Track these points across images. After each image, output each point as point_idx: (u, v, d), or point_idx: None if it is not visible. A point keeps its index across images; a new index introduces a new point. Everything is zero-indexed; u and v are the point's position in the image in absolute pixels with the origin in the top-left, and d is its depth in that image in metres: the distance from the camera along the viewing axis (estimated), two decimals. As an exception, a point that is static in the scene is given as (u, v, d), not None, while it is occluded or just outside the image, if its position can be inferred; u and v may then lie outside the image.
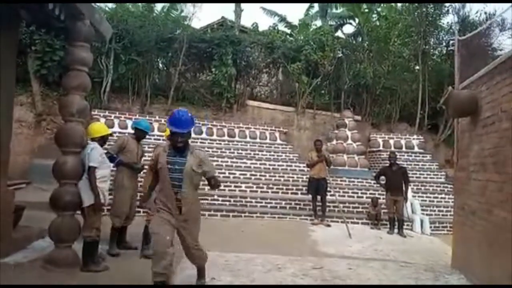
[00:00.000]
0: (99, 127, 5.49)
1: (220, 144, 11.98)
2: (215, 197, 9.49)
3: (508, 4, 5.83)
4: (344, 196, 10.26)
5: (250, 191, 10.09)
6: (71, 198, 4.72)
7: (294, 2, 20.76)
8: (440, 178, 12.08)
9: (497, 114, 4.55)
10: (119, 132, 10.98)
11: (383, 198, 9.35)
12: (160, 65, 14.69)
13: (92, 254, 4.83)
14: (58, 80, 10.77)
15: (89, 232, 4.79)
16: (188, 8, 14.60)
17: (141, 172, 6.26)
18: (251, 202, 9.70)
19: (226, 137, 12.34)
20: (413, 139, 13.42)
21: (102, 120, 11.39)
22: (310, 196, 9.44)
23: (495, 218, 4.46)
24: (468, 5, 15.32)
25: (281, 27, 18.21)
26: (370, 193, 10.15)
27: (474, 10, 15.30)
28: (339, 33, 18.24)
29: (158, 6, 14.88)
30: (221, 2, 14.30)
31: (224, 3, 14.25)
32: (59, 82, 10.10)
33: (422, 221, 9.57)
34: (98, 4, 12.53)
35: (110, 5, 13.97)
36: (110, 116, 11.55)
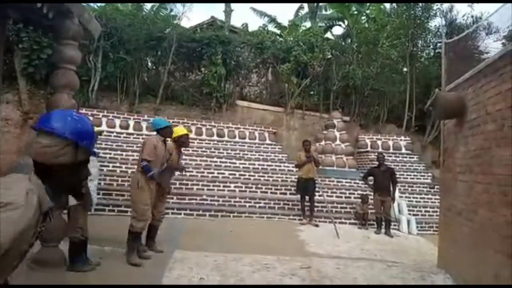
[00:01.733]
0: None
1: (209, 144, 11.95)
2: (204, 197, 9.48)
3: (494, 8, 5.93)
4: (332, 196, 10.32)
5: (239, 191, 10.09)
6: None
7: (284, 2, 20.77)
8: (427, 179, 12.22)
9: (482, 116, 4.63)
10: (107, 131, 10.93)
11: (371, 199, 9.44)
12: (149, 64, 14.60)
13: (80, 254, 4.79)
14: (46, 78, 10.63)
15: (74, 233, 4.74)
16: (178, 7, 14.60)
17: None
18: (240, 202, 9.70)
19: (215, 137, 12.32)
20: (401, 140, 13.55)
21: (90, 119, 11.30)
22: (298, 196, 9.49)
23: (480, 219, 4.53)
24: (455, 8, 15.56)
25: (271, 27, 18.26)
26: (358, 193, 10.22)
27: (461, 14, 15.58)
28: (328, 35, 18.37)
29: (148, 5, 14.83)
30: (212, 2, 14.26)
31: (214, 3, 14.21)
32: (46, 80, 9.97)
33: (409, 221, 9.67)
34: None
35: (99, 3, 13.88)
36: (98, 115, 11.45)
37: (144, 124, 11.71)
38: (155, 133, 5.80)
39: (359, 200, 9.70)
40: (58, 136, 1.49)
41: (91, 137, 1.60)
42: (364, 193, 9.79)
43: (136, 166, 5.71)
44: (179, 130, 6.21)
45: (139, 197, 5.33)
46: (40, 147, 1.50)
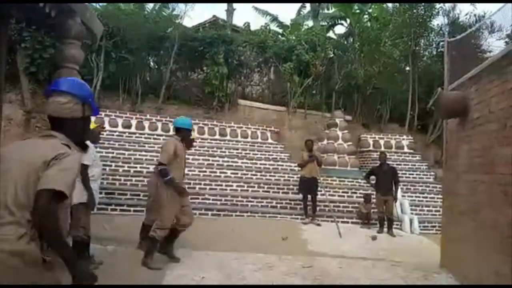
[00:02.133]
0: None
1: (212, 143, 11.96)
2: (206, 196, 9.49)
3: (497, 7, 5.91)
4: (334, 195, 10.31)
5: (241, 190, 10.09)
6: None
7: (287, 2, 20.74)
8: (430, 178, 12.19)
9: (485, 115, 4.61)
10: (109, 131, 10.95)
11: (373, 198, 9.43)
12: (151, 63, 14.65)
13: (82, 253, 4.79)
14: (48, 77, 10.65)
15: (77, 232, 4.74)
16: (180, 6, 14.59)
17: None
18: (242, 201, 9.70)
19: (217, 136, 12.31)
20: (403, 139, 13.51)
21: (92, 118, 11.29)
22: (301, 196, 9.48)
23: (483, 218, 4.51)
24: (458, 7, 15.52)
25: (273, 27, 18.25)
26: (360, 193, 10.21)
27: (463, 13, 15.54)
28: (330, 34, 18.35)
29: (150, 4, 14.85)
30: (215, 2, 14.28)
31: (216, 3, 14.22)
32: (49, 80, 10.00)
33: (411, 221, 9.65)
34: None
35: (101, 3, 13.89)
36: (101, 115, 11.43)
37: (146, 124, 11.73)
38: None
39: (362, 199, 9.69)
40: (72, 95, 2.03)
41: (92, 97, 2.18)
42: (367, 192, 9.77)
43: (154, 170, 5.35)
44: None
45: (163, 202, 5.14)
46: (59, 104, 2.00)
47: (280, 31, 18.38)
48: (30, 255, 1.71)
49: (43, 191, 1.72)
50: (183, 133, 5.39)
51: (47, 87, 2.12)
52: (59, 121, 2.02)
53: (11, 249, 1.67)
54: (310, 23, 18.95)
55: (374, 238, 8.09)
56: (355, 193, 10.44)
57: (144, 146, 10.96)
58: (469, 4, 15.22)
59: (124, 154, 10.46)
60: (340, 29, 19.50)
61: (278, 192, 10.22)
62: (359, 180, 10.82)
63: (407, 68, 15.26)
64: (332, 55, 14.96)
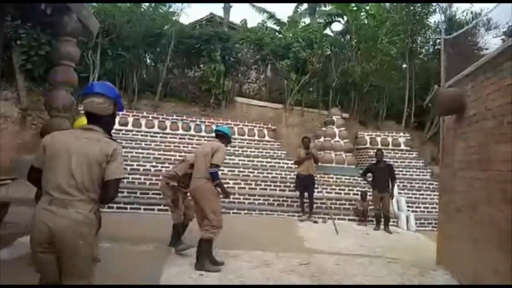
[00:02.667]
0: None
1: (209, 140, 11.92)
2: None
3: (494, 4, 5.93)
4: (331, 193, 10.32)
5: (238, 187, 10.09)
6: (57, 195, 4.66)
7: (285, 2, 20.65)
8: (426, 175, 12.23)
9: (482, 112, 4.62)
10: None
11: (370, 195, 9.45)
12: (148, 60, 14.61)
13: None
14: (44, 75, 10.60)
15: None
16: (176, 4, 14.55)
17: None
18: (239, 198, 9.71)
19: (214, 134, 12.27)
20: (400, 136, 13.55)
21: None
22: (297, 193, 9.49)
23: (479, 215, 4.53)
24: (454, 4, 15.57)
25: (270, 24, 18.25)
26: (357, 190, 10.23)
27: (460, 10, 15.54)
28: (327, 31, 18.35)
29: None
30: (213, 2, 14.24)
31: (214, 3, 14.18)
32: (45, 77, 9.94)
33: (407, 218, 9.68)
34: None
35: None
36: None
37: (143, 121, 11.70)
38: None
39: (359, 197, 9.71)
40: (105, 97, 2.67)
41: (120, 97, 2.79)
42: (363, 189, 9.79)
43: (198, 174, 5.25)
44: None
45: (217, 206, 5.21)
46: (96, 104, 2.65)
47: (277, 28, 18.37)
48: (93, 222, 2.54)
49: (112, 180, 2.54)
50: (224, 140, 5.65)
51: (82, 90, 2.83)
52: (96, 117, 2.67)
53: (84, 219, 2.47)
54: (307, 20, 18.94)
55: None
56: (352, 190, 10.46)
57: (141, 144, 10.94)
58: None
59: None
60: (337, 27, 19.51)
61: (275, 190, 10.23)
62: (356, 178, 10.84)
63: (404, 66, 15.30)
64: (329, 53, 14.99)
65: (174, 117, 12.23)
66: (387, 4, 16.68)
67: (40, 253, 2.50)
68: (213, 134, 12.22)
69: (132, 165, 9.88)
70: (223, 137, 5.67)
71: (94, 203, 2.54)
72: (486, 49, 14.47)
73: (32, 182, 2.67)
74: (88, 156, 2.51)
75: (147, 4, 14.76)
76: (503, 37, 14.71)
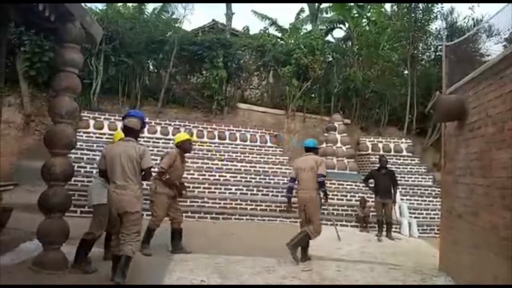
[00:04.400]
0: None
1: (211, 146, 11.97)
2: (205, 199, 9.50)
3: (495, 10, 5.96)
4: (333, 199, 10.28)
5: (241, 193, 10.09)
6: (59, 200, 4.69)
7: (286, 2, 20.70)
8: (428, 181, 12.21)
9: (483, 119, 4.63)
10: (109, 134, 10.95)
11: (372, 201, 9.44)
12: (151, 67, 14.67)
13: (87, 252, 4.86)
14: (47, 81, 10.67)
15: (95, 230, 4.92)
16: (179, 10, 14.65)
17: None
18: (241, 204, 9.71)
19: (216, 140, 12.33)
20: (402, 142, 13.55)
21: (92, 122, 11.34)
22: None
23: (481, 221, 4.53)
24: (456, 11, 15.59)
25: (272, 30, 18.33)
26: (359, 196, 10.21)
27: (462, 17, 15.61)
28: (329, 37, 18.44)
29: (149, 8, 14.89)
30: (214, 2, 14.26)
31: (216, 3, 14.19)
32: (48, 83, 10.02)
33: (410, 224, 9.66)
34: (88, 5, 12.51)
35: (100, 6, 13.94)
36: (100, 118, 11.49)
37: (146, 127, 11.72)
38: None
39: (359, 202, 9.71)
40: (139, 118, 4.66)
41: (144, 118, 4.80)
42: (363, 195, 9.78)
43: (307, 186, 6.12)
44: (181, 136, 6.35)
45: (320, 215, 6.21)
46: (132, 122, 4.56)
47: (279, 35, 18.45)
48: (140, 196, 4.45)
49: (146, 168, 4.42)
50: (317, 152, 6.56)
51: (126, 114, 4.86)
52: (131, 130, 4.55)
53: (135, 194, 4.38)
54: (308, 27, 19.02)
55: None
56: (354, 196, 10.44)
57: (143, 150, 10.95)
58: (467, 7, 15.28)
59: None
60: (338, 33, 19.59)
61: (277, 196, 10.22)
62: (358, 184, 10.82)
63: (406, 72, 15.32)
64: (330, 59, 15.04)
65: (177, 122, 12.27)
66: (389, 10, 16.77)
67: (112, 216, 4.45)
68: (216, 140, 12.31)
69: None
70: (316, 149, 6.59)
71: (139, 185, 4.44)
72: (488, 55, 14.43)
73: (103, 177, 4.70)
74: (130, 157, 4.34)
75: (150, 11, 14.87)
76: (504, 43, 14.72)
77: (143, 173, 4.42)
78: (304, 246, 6.12)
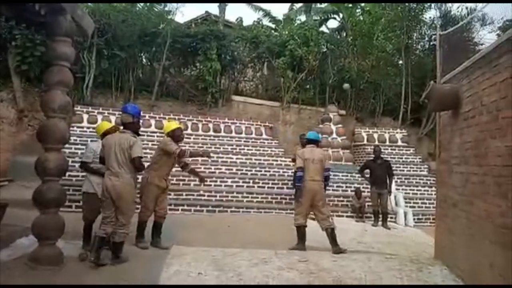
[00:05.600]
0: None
1: (206, 139, 11.94)
2: (201, 192, 9.48)
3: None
4: (329, 189, 10.29)
5: (236, 186, 10.10)
6: (54, 195, 4.67)
7: (284, 2, 20.51)
8: (423, 171, 12.28)
9: (477, 108, 4.64)
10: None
11: (368, 192, 9.48)
12: (144, 60, 14.54)
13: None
14: (40, 75, 10.56)
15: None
16: (172, 2, 14.49)
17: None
18: (237, 197, 9.72)
19: (211, 132, 12.30)
20: (397, 133, 13.59)
21: (85, 116, 11.26)
22: (295, 191, 9.47)
23: (476, 210, 4.55)
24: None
25: (266, 22, 18.25)
26: (355, 187, 10.24)
27: (455, 5, 15.53)
28: (323, 28, 18.35)
29: (141, 0, 14.70)
30: (209, 2, 14.14)
31: (211, 3, 14.07)
32: (40, 78, 9.93)
33: (405, 214, 9.73)
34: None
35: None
36: (93, 112, 11.41)
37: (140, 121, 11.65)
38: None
39: (354, 193, 9.74)
40: (129, 112, 5.16)
41: (139, 113, 5.31)
42: (358, 186, 9.81)
43: (316, 177, 6.49)
44: (171, 125, 6.26)
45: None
46: (122, 117, 5.24)
47: (273, 26, 18.37)
48: (132, 183, 4.93)
49: (136, 157, 4.84)
50: (317, 143, 6.95)
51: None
52: (124, 124, 5.12)
53: (127, 181, 4.85)
54: (302, 17, 18.96)
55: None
56: (350, 187, 10.46)
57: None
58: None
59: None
60: (332, 23, 19.50)
61: (273, 188, 10.24)
62: (354, 174, 10.85)
63: (400, 62, 15.31)
64: (325, 50, 14.99)
65: (171, 116, 12.21)
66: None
67: (105, 200, 4.84)
68: (211, 132, 12.24)
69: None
70: (319, 142, 7.06)
71: (132, 173, 4.90)
72: (482, 44, 14.45)
73: (101, 163, 5.10)
74: (122, 147, 4.82)
75: (142, 3, 14.70)
76: (498, 32, 14.72)
77: (132, 162, 4.85)
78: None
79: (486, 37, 14.60)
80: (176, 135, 6.08)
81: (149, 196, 5.92)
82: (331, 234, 6.29)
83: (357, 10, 17.46)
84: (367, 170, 9.32)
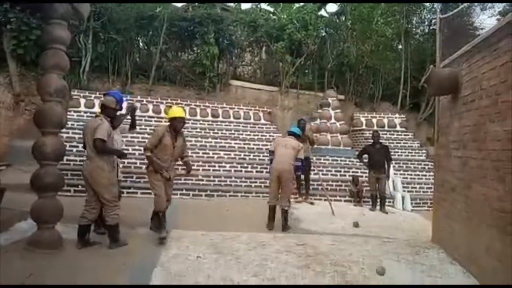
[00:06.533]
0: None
1: (204, 124, 11.90)
2: (200, 177, 9.49)
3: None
4: (327, 174, 10.37)
5: (235, 171, 10.10)
6: (52, 179, 4.66)
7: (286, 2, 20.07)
8: (421, 156, 12.30)
9: (477, 92, 4.62)
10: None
11: (366, 176, 9.50)
12: (141, 44, 14.40)
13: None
14: (36, 59, 10.46)
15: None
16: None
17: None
18: (236, 181, 9.73)
19: (209, 117, 12.25)
20: (396, 117, 13.56)
21: (82, 100, 11.19)
22: (294, 175, 9.50)
23: (474, 194, 4.57)
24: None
25: (264, 5, 17.97)
26: (353, 171, 10.28)
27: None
28: (322, 12, 18.10)
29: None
30: (211, 2, 13.83)
31: (212, 3, 13.78)
32: (37, 62, 9.82)
33: (403, 198, 9.77)
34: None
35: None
36: (90, 97, 11.34)
37: (137, 105, 11.55)
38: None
39: (351, 179, 9.77)
40: (116, 100, 5.25)
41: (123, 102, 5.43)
42: (355, 174, 9.85)
43: (288, 160, 6.98)
44: (173, 112, 5.72)
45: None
46: (105, 99, 5.32)
47: (271, 9, 18.12)
48: (103, 167, 4.94)
49: (96, 138, 4.79)
50: (298, 138, 7.41)
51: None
52: (103, 106, 5.21)
53: (98, 163, 4.88)
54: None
55: (356, 225, 7.40)
56: (348, 172, 10.49)
57: (136, 128, 10.85)
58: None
59: (115, 136, 10.36)
60: (332, 7, 19.25)
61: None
62: (352, 159, 10.87)
63: (400, 46, 15.21)
64: (324, 34, 14.87)
65: (169, 100, 12.15)
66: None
67: (85, 183, 5.01)
68: (209, 117, 12.23)
69: (127, 149, 9.82)
70: (299, 136, 7.50)
71: (102, 156, 4.90)
72: (482, 28, 14.38)
73: (84, 148, 5.10)
74: (91, 131, 4.90)
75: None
76: (498, 16, 14.61)
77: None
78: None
79: (486, 22, 14.51)
80: (173, 125, 5.57)
81: (154, 183, 5.51)
82: (284, 214, 6.86)
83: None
84: (366, 155, 9.32)
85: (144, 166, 9.19)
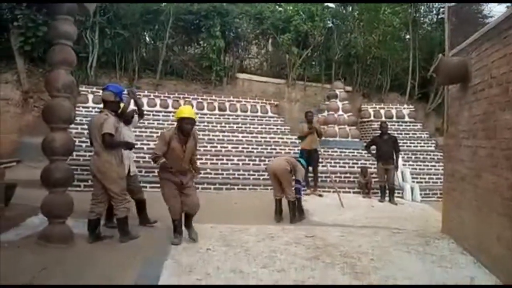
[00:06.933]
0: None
1: (211, 118, 11.91)
2: (208, 170, 9.52)
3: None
4: (335, 166, 10.34)
5: (243, 164, 10.12)
6: (61, 175, 4.70)
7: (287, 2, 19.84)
8: (430, 146, 12.21)
9: (486, 81, 4.56)
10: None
11: (374, 168, 9.46)
12: (147, 38, 14.41)
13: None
14: (43, 56, 10.51)
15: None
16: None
17: None
18: (244, 174, 9.75)
19: (217, 111, 12.26)
20: (404, 108, 13.45)
21: (90, 96, 11.24)
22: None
23: (484, 183, 4.53)
24: (458, -29, 15.13)
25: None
26: (361, 163, 10.23)
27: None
28: (328, 3, 17.96)
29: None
30: (214, 2, 13.71)
31: (212, 3, 13.66)
32: (44, 58, 9.88)
33: (412, 189, 9.72)
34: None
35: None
36: (98, 92, 11.35)
37: (145, 100, 11.62)
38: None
39: (360, 171, 9.74)
40: (112, 91, 5.26)
41: (122, 93, 5.37)
42: (363, 166, 9.80)
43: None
44: (181, 111, 5.06)
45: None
46: (104, 94, 5.31)
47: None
48: (111, 161, 4.97)
49: (104, 133, 4.85)
50: None
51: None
52: (104, 101, 5.25)
53: (106, 158, 4.95)
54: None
55: None
56: (356, 163, 10.46)
57: (144, 123, 10.90)
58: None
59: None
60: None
61: (280, 165, 10.23)
62: (360, 151, 10.83)
63: (407, 36, 15.03)
64: (330, 25, 14.75)
65: (176, 95, 12.18)
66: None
67: (93, 178, 5.06)
68: (216, 111, 12.18)
69: (136, 144, 9.86)
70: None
71: (109, 151, 4.95)
72: (491, 16, 14.15)
73: (91, 145, 5.19)
74: (97, 126, 4.95)
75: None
76: (508, 4, 14.37)
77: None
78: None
79: (496, 9, 14.28)
80: (180, 126, 4.97)
81: (165, 192, 5.11)
82: (291, 206, 6.99)
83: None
84: (374, 146, 9.28)
85: (143, 160, 9.32)
